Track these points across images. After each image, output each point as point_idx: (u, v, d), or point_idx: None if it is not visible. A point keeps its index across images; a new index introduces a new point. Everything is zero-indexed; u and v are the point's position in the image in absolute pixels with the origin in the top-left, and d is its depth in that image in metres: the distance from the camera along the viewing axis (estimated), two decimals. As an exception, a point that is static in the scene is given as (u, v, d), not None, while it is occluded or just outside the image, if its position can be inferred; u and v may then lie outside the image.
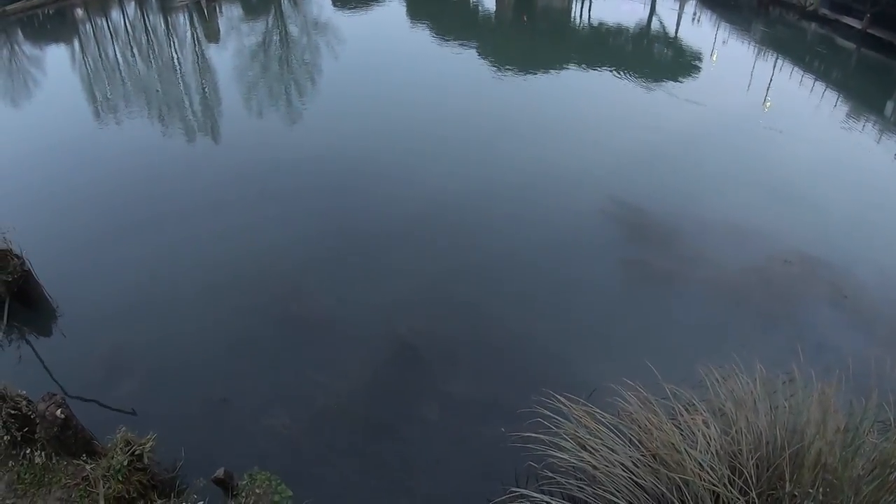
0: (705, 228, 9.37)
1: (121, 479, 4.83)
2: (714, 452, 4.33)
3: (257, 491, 5.11)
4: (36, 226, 8.36)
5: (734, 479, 4.15)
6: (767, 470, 4.20)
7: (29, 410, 5.08)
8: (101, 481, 4.83)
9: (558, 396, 5.11)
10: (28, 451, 5.10)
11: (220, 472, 5.14)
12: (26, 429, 5.10)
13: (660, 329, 7.00)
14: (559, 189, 10.05)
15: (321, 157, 11.01)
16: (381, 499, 5.43)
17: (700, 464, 4.20)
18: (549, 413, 5.01)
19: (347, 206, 9.63)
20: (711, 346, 6.21)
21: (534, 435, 4.92)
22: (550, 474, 4.83)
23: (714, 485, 4.09)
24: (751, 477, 4.12)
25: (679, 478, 4.16)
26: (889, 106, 16.58)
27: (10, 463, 5.16)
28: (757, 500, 3.99)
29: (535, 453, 4.88)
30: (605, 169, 10.47)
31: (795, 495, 3.91)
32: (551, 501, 4.58)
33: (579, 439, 4.85)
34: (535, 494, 4.66)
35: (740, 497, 4.04)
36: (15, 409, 5.05)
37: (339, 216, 9.33)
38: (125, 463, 4.86)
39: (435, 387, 6.57)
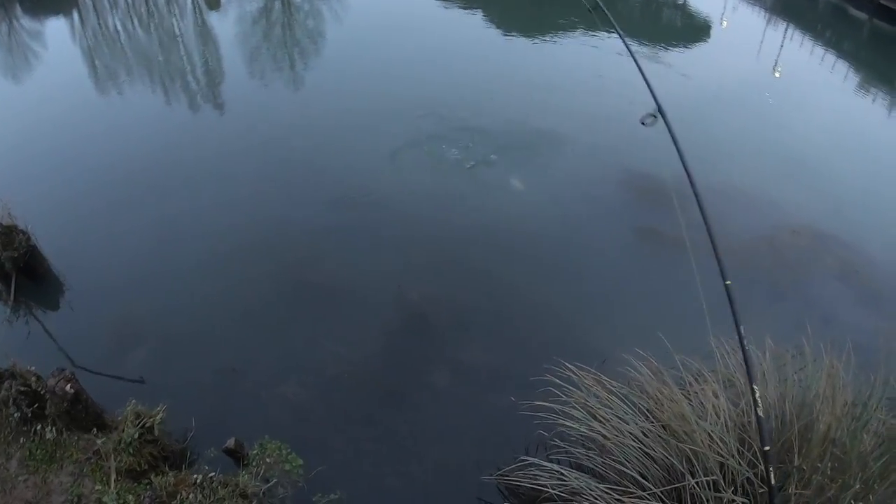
0: (715, 196, 9.22)
1: (132, 451, 4.87)
2: (723, 423, 4.34)
3: (268, 460, 5.12)
4: (40, 200, 8.28)
5: (743, 451, 4.17)
6: (777, 443, 4.21)
7: (38, 386, 5.07)
8: (113, 455, 4.88)
9: (569, 365, 5.10)
10: (39, 428, 5.11)
11: (230, 442, 5.19)
12: (36, 405, 5.09)
13: (670, 298, 6.99)
14: (570, 156, 9.99)
15: (328, 124, 10.89)
16: (391, 466, 5.46)
17: (710, 435, 4.23)
18: (559, 382, 4.99)
19: (358, 172, 9.54)
20: (721, 317, 6.18)
21: (544, 404, 4.91)
22: (560, 443, 4.86)
23: (723, 456, 4.10)
24: (759, 449, 4.15)
25: (689, 448, 4.17)
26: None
27: (22, 440, 5.16)
28: (766, 473, 4.02)
29: (546, 422, 4.87)
30: (615, 136, 10.23)
31: (804, 469, 3.92)
32: (561, 470, 4.57)
33: (590, 408, 4.85)
34: (545, 463, 4.68)
35: (749, 469, 4.06)
36: (25, 386, 5.04)
37: (349, 183, 9.23)
38: (136, 436, 4.89)
39: (446, 354, 6.60)
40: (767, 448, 3.41)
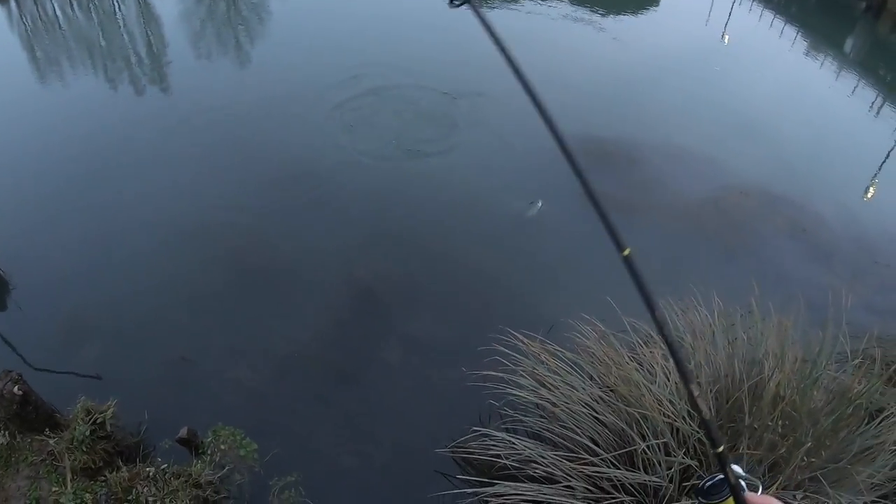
0: (663, 159, 9.18)
1: (85, 449, 4.70)
2: (673, 386, 4.25)
3: (222, 447, 4.98)
4: None
5: (693, 413, 4.09)
6: (727, 402, 4.11)
7: None
8: (66, 454, 4.67)
9: (516, 334, 4.97)
10: None
11: (183, 432, 5.02)
12: None
13: (618, 262, 6.92)
14: (516, 123, 9.49)
15: (272, 103, 10.42)
16: (346, 446, 5.34)
17: (658, 399, 4.13)
18: (507, 351, 4.88)
19: (301, 152, 9.21)
20: (670, 279, 6.09)
21: (493, 373, 4.80)
22: (511, 412, 4.77)
23: (673, 419, 4.02)
24: (709, 409, 4.06)
25: (638, 413, 4.08)
26: (848, 43, 16.47)
27: None
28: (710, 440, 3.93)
29: (495, 392, 4.79)
30: (563, 103, 9.96)
31: (755, 428, 3.84)
32: (511, 439, 4.46)
33: (538, 376, 4.74)
34: (497, 433, 4.57)
35: (699, 430, 3.97)
36: None
37: (293, 163, 8.89)
38: (87, 433, 4.71)
39: (396, 330, 6.43)
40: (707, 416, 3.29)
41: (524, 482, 4.15)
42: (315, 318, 6.54)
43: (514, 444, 4.40)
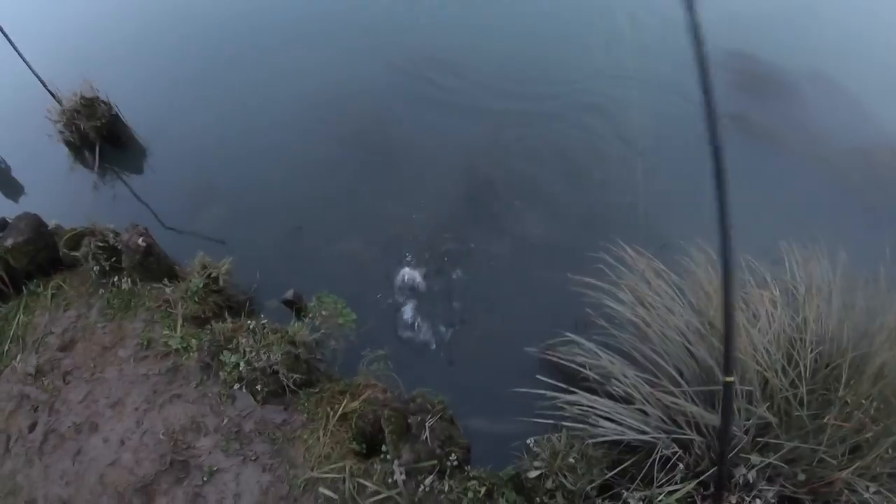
0: (814, 94, 7.95)
1: (197, 300, 5.09)
2: (774, 335, 4.12)
3: (323, 312, 5.30)
4: (123, 70, 8.15)
5: (787, 369, 4.00)
6: (825, 367, 3.99)
7: (115, 242, 5.31)
8: (180, 303, 5.08)
9: (625, 246, 4.87)
10: (116, 280, 5.42)
11: (289, 294, 5.37)
12: (114, 259, 5.37)
13: (748, 193, 6.33)
14: (658, 26, 8.38)
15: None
16: (438, 329, 5.63)
17: (755, 345, 4.03)
18: (613, 262, 4.82)
19: (439, 38, 8.72)
20: (797, 221, 5.61)
21: (595, 283, 4.79)
22: (605, 325, 4.78)
23: (765, 369, 3.96)
24: (805, 370, 3.95)
25: None
26: None
27: (101, 291, 5.52)
28: (806, 396, 3.86)
29: (593, 302, 4.81)
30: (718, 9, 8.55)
31: (847, 402, 3.74)
32: (598, 351, 4.56)
33: (638, 293, 4.69)
34: (586, 343, 4.65)
35: (789, 389, 3.91)
36: (103, 242, 5.28)
37: (429, 49, 8.46)
38: (200, 285, 5.08)
39: (508, 227, 6.43)
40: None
41: (601, 397, 4.28)
42: (429, 203, 6.62)
43: (599, 356, 4.50)
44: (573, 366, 4.62)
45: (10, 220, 5.66)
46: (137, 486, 4.51)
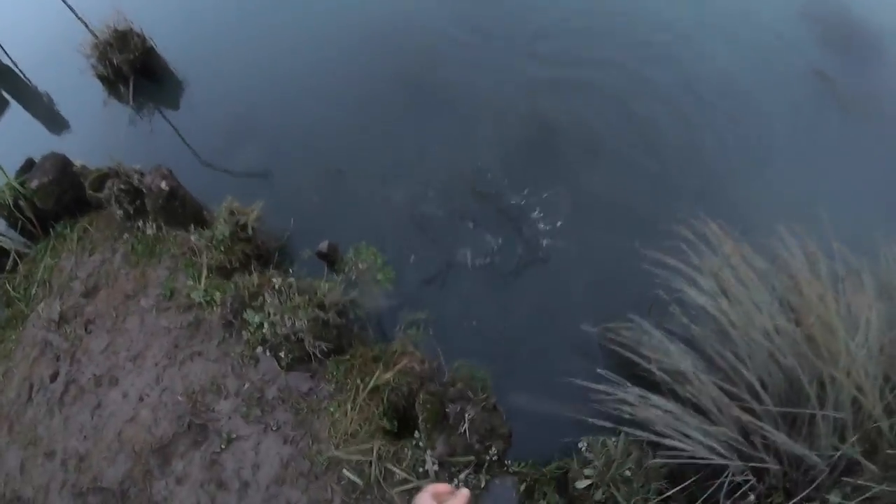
0: None
1: (223, 249, 4.64)
2: (870, 347, 3.29)
3: (360, 266, 4.80)
4: (162, 2, 7.58)
5: (885, 391, 3.23)
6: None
7: (139, 184, 4.87)
8: (205, 251, 4.64)
9: (708, 220, 3.98)
10: (140, 224, 5.03)
11: (323, 246, 4.88)
12: (138, 201, 4.96)
13: (841, 170, 5.36)
14: None
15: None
16: (484, 293, 4.97)
17: (853, 359, 3.26)
18: (693, 239, 3.96)
19: None
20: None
21: (670, 262, 3.97)
22: (678, 312, 3.95)
23: (860, 390, 3.14)
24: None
25: (829, 372, 3.18)
26: None
27: (126, 236, 5.15)
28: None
29: (667, 283, 4.01)
30: None
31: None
32: (669, 344, 3.81)
33: (722, 281, 3.94)
34: (655, 331, 3.89)
35: (886, 418, 3.18)
36: (126, 184, 4.86)
37: None
38: (227, 233, 4.60)
39: (570, 179, 5.51)
40: None
41: (665, 397, 3.60)
42: (483, 150, 5.77)
43: (669, 350, 3.83)
44: (635, 355, 3.95)
45: (36, 161, 5.35)
46: (154, 447, 4.23)
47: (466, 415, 3.69)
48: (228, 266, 4.67)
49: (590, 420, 3.58)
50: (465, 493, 1.56)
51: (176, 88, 6.87)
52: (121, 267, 4.96)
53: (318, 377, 4.27)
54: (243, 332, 4.31)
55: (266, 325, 4.11)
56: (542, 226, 5.28)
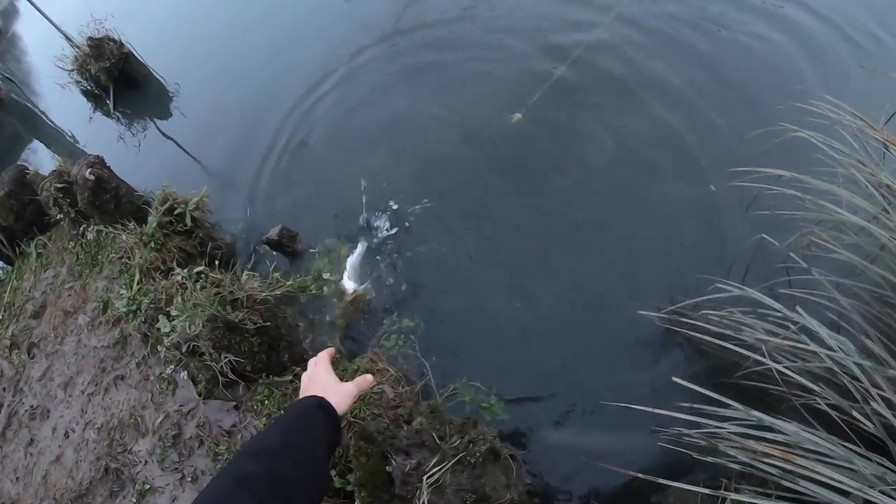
0: None
1: (154, 246, 3.50)
2: None
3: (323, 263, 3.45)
4: (138, 11, 6.82)
5: None
6: None
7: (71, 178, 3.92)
8: (136, 250, 3.55)
9: (837, 103, 2.19)
10: (81, 229, 4.09)
11: (273, 232, 3.67)
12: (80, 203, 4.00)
13: None
14: None
15: None
16: (505, 276, 3.31)
17: None
18: (809, 135, 2.19)
19: None
20: None
21: (770, 188, 2.25)
22: (800, 264, 2.14)
23: None
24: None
25: None
26: None
27: (72, 244, 4.25)
28: None
29: (770, 220, 2.31)
30: None
31: None
32: (791, 315, 1.98)
33: (876, 185, 2.04)
34: (765, 298, 2.09)
35: None
36: (61, 182, 3.93)
37: None
38: (154, 225, 3.47)
39: (607, 120, 3.74)
40: None
41: (790, 420, 1.77)
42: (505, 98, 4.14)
43: (791, 323, 1.99)
44: (731, 346, 2.05)
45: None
46: (73, 496, 3.17)
47: (425, 477, 2.11)
48: (162, 266, 3.53)
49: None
50: (368, 378, 1.64)
51: (160, 94, 5.91)
52: (65, 281, 4.07)
53: (244, 408, 2.93)
54: (158, 347, 3.13)
55: (174, 333, 2.88)
56: (574, 174, 3.57)
